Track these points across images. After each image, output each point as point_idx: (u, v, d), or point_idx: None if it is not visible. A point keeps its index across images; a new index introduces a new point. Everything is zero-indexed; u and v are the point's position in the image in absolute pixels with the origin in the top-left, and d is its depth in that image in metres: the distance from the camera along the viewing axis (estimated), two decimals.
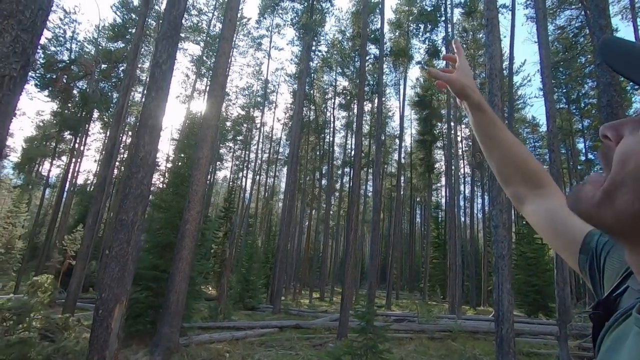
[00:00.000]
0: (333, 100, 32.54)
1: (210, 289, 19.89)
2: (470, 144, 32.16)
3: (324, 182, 34.98)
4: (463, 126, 31.55)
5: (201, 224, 7.98)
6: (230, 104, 33.39)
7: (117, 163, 19.66)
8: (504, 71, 14.16)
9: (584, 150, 29.45)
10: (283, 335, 8.61)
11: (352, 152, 32.81)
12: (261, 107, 33.32)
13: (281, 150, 40.97)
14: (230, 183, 37.79)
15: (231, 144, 35.94)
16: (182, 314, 6.47)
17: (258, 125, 35.07)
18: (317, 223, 34.09)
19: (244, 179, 37.49)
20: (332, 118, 32.67)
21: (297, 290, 27.14)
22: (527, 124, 35.27)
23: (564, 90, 27.88)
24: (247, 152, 36.99)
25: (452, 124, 23.00)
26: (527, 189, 0.68)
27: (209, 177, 29.99)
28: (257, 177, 35.77)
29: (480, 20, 23.06)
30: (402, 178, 32.36)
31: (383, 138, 27.96)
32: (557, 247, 0.61)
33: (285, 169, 37.72)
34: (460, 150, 28.04)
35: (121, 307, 4.54)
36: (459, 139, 27.93)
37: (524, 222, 21.68)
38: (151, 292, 7.33)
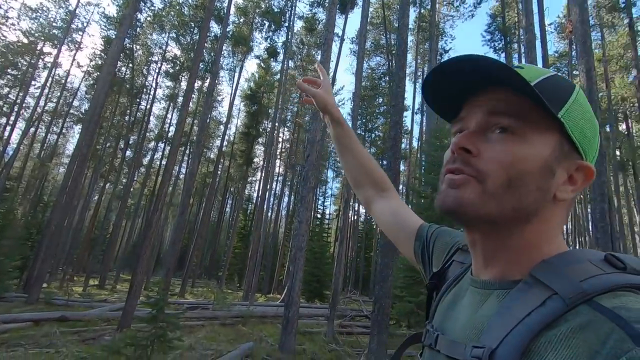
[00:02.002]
0: (159, 65, 28.87)
1: None
2: (288, 146, 35.06)
3: (128, 153, 30.30)
4: (285, 129, 34.09)
5: None
6: (2, 20, 24.46)
7: None
8: None
9: None
10: (39, 331, 6.85)
11: (172, 128, 29.91)
12: (57, 43, 25.98)
13: (77, 103, 32.95)
14: None
15: None
16: None
17: (48, 65, 27.16)
18: (110, 199, 29.14)
19: (8, 128, 28.01)
20: (154, 84, 28.89)
21: (69, 276, 22.27)
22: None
23: (364, 121, 34.23)
24: (22, 94, 27.85)
25: (276, 124, 24.42)
26: (374, 192, 0.83)
27: None
28: (33, 129, 27.50)
29: (316, 39, 25.57)
30: (221, 166, 31.90)
31: (208, 121, 26.79)
32: (397, 239, 0.76)
33: (78, 128, 30.60)
34: (279, 150, 30.09)
35: None
36: (280, 139, 29.94)
37: (317, 222, 25.31)
38: None
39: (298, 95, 31.62)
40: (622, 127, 21.34)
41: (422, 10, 22.94)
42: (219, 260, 34.53)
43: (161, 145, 32.73)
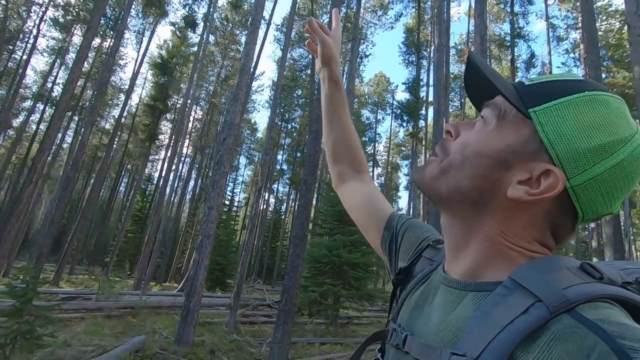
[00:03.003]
0: (43, 9, 24.11)
1: None
2: (200, 126, 32.90)
3: None
4: (198, 108, 31.90)
5: None
6: None
7: None
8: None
9: (281, 161, 37.05)
10: None
11: (57, 88, 25.29)
12: None
13: None
14: None
15: None
16: None
17: None
18: None
19: None
20: (35, 31, 24.07)
21: None
22: (249, 126, 40.36)
23: (281, 110, 34.04)
24: None
25: (189, 101, 22.65)
26: (351, 171, 0.78)
27: None
28: None
29: (241, 18, 24.38)
30: (117, 139, 28.30)
31: (107, 86, 23.40)
32: (365, 225, 0.72)
33: None
34: (188, 129, 27.99)
35: None
36: (191, 118, 27.89)
37: (225, 209, 24.36)
38: None
39: (216, 75, 29.93)
40: None
41: (348, 11, 23.72)
42: (106, 245, 30.73)
43: (40, 106, 27.55)
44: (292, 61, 29.57)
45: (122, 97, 29.07)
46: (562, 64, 22.68)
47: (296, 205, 37.96)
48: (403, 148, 37.73)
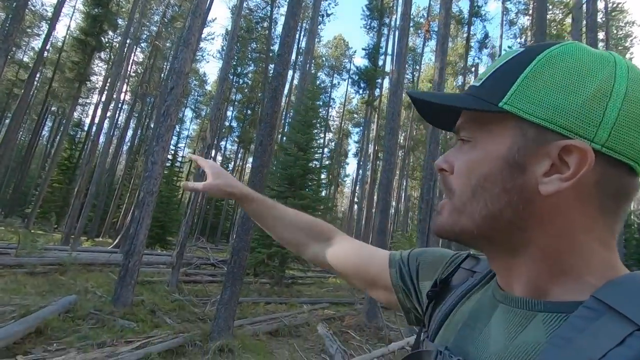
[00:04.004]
0: None
1: None
2: (141, 71, 29.87)
3: None
4: (139, 50, 28.79)
5: None
6: None
7: None
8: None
9: (230, 118, 35.40)
10: None
11: None
12: None
13: None
14: None
15: None
16: None
17: None
18: None
19: None
20: None
21: None
22: (197, 77, 37.58)
23: (234, 64, 31.98)
24: None
25: (128, 41, 20.27)
26: (321, 245, 0.72)
27: None
28: None
29: None
30: (39, 75, 24.70)
31: (24, 11, 19.91)
32: (367, 276, 0.65)
33: None
34: (127, 73, 25.22)
35: None
36: (130, 60, 25.11)
37: (168, 163, 22.96)
38: None
39: (162, 14, 26.96)
40: None
41: None
42: (26, 194, 27.71)
43: None
44: (248, 11, 27.49)
45: (45, 26, 25.07)
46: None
47: (245, 165, 37.05)
48: (356, 115, 38.04)
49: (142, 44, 29.02)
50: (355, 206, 30.13)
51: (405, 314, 0.59)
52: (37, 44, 28.69)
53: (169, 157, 24.75)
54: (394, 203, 28.25)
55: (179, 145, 35.76)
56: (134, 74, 29.67)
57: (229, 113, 34.39)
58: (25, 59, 30.02)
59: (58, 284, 7.03)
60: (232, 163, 35.88)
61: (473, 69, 21.43)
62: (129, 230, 7.13)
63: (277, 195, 10.50)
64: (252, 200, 0.76)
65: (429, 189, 6.30)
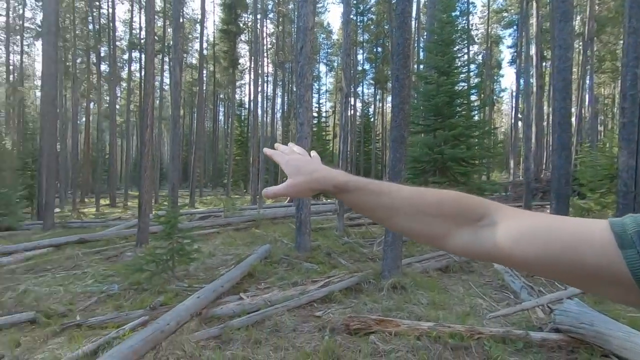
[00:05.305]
0: None
1: None
2: (274, 41, 32.11)
3: (104, 67, 27.95)
4: (268, 21, 30.71)
5: None
6: None
7: None
8: None
9: (361, 61, 34.69)
10: (62, 255, 7.08)
11: (142, 33, 26.86)
12: None
13: (29, 15, 29.10)
14: None
15: None
16: None
17: None
18: (98, 119, 28.00)
19: None
20: None
21: (78, 199, 22.84)
22: (323, 29, 37.77)
23: (354, 2, 30.42)
24: None
25: (258, 16, 21.78)
26: (471, 229, 0.46)
27: None
28: None
29: None
30: (205, 71, 29.73)
31: (182, 20, 23.89)
32: (574, 271, 0.37)
33: (39, 44, 27.55)
34: (265, 47, 27.57)
35: None
36: (264, 34, 27.17)
37: (315, 121, 24.71)
38: None
39: None
40: None
41: None
42: (221, 169, 35.06)
43: (136, 55, 29.96)
44: None
45: (198, 27, 29.47)
46: None
47: (385, 106, 36.16)
48: (505, 14, 31.21)
49: (270, 15, 30.83)
50: (520, 123, 25.67)
51: None
52: (197, 46, 34.26)
53: (314, 115, 26.58)
54: (573, 109, 22.50)
55: (321, 101, 37.83)
56: (270, 46, 32.20)
57: (359, 57, 33.67)
58: (194, 61, 36.50)
59: (255, 236, 8.76)
60: (372, 107, 35.68)
61: None
62: None
63: (425, 130, 9.86)
64: (350, 191, 0.56)
65: (634, 80, 4.58)
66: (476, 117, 11.30)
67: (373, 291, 4.48)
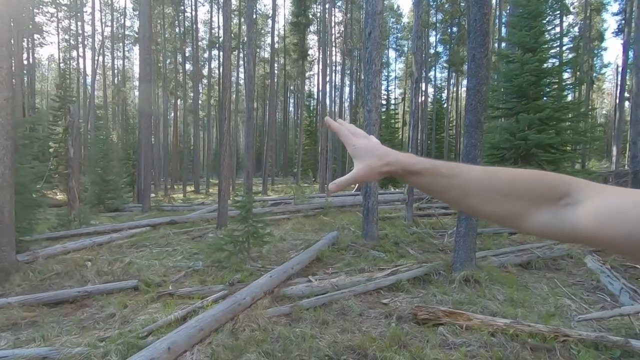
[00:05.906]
0: None
1: (58, 194, 16.92)
2: (342, 30, 31.92)
3: (188, 66, 30.69)
4: (336, 10, 30.61)
5: (18, 114, 6.00)
6: None
7: None
8: None
9: (434, 43, 32.80)
10: (157, 233, 8.09)
11: (220, 32, 28.81)
12: None
13: (129, 24, 33.04)
14: (62, 64, 29.66)
15: (52, 9, 26.83)
16: (13, 227, 5.18)
17: None
18: (184, 114, 30.97)
19: (81, 60, 29.80)
20: None
21: (169, 186, 25.73)
22: (392, 12, 36.41)
23: None
24: (79, 23, 28.60)
25: (327, 5, 21.83)
26: (551, 209, 0.44)
27: (25, 54, 22.48)
28: (100, 57, 28.83)
29: None
30: (276, 65, 30.86)
31: (255, 17, 25.00)
32: None
33: (137, 49, 31.22)
34: (333, 37, 27.61)
35: None
36: (332, 23, 27.18)
37: (383, 108, 24.14)
38: None
39: None
40: None
41: None
42: (291, 158, 36.35)
43: (215, 52, 32.17)
44: None
45: (270, 22, 30.60)
46: None
47: (460, 90, 33.85)
48: None
49: (338, 3, 30.67)
50: (627, 103, 21.94)
51: None
52: (268, 40, 35.63)
53: (383, 102, 25.95)
54: None
55: (389, 88, 36.72)
56: (338, 35, 32.13)
57: (432, 39, 31.88)
58: (266, 55, 38.11)
59: (323, 223, 8.97)
60: (445, 92, 33.63)
61: None
62: None
63: (505, 114, 9.04)
64: (420, 173, 0.53)
65: None
66: (569, 98, 9.98)
67: (443, 283, 4.31)
